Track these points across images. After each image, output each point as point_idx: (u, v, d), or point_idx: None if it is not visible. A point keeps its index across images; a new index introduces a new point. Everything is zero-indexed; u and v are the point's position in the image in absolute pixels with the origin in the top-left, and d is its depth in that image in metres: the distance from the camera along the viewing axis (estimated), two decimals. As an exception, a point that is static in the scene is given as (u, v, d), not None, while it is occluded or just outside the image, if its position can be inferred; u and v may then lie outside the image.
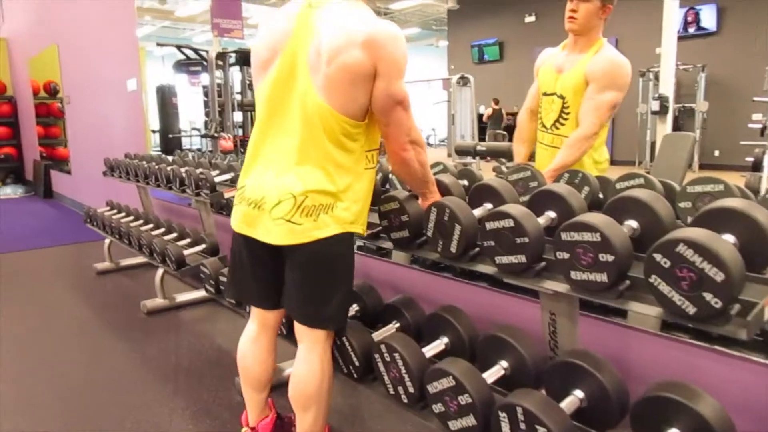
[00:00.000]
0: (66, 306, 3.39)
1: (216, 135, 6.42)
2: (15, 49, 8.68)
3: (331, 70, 1.31)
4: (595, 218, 1.12)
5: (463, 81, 8.27)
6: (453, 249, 1.40)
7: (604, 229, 1.08)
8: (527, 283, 1.27)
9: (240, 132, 6.92)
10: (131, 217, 3.75)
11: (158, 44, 7.36)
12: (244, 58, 6.81)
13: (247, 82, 7.22)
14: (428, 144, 12.64)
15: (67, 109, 6.79)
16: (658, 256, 0.99)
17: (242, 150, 6.89)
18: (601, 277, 1.09)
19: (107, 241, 3.94)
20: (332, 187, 1.37)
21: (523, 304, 1.76)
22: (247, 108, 7.04)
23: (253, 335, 1.63)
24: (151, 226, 3.46)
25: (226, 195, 2.78)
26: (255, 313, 1.64)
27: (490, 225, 1.29)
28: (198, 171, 2.92)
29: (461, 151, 5.17)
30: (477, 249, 1.40)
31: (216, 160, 3.38)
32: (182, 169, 3.10)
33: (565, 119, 2.08)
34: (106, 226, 3.78)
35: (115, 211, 4.03)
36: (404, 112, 1.38)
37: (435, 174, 1.66)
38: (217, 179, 2.80)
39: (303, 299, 1.47)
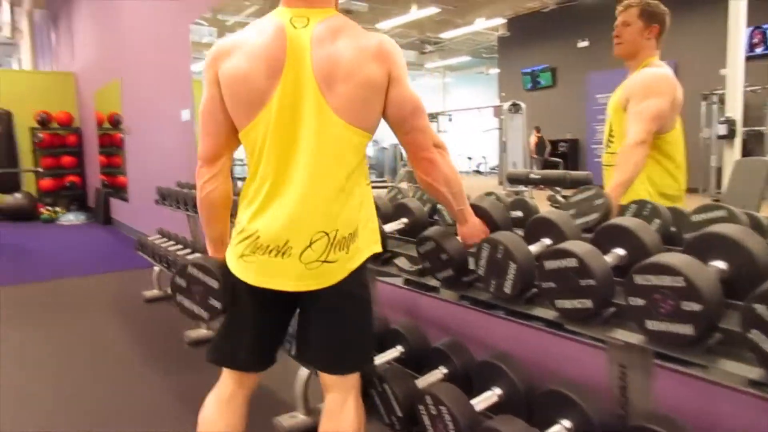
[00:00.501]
0: (110, 332, 3.39)
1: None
2: (82, 83, 9.13)
3: (350, 88, 1.22)
4: (677, 259, 0.96)
5: (515, 108, 8.11)
6: (507, 289, 1.26)
7: (688, 272, 0.92)
8: (594, 332, 1.11)
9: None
10: (179, 246, 3.76)
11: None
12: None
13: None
14: (478, 172, 12.45)
15: (126, 139, 7.03)
16: (760, 308, 0.82)
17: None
18: (685, 329, 0.93)
19: (156, 269, 3.96)
20: (355, 211, 1.29)
21: (586, 349, 1.58)
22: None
23: (225, 397, 1.40)
24: (197, 255, 3.44)
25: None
26: (232, 373, 1.42)
27: (549, 264, 1.14)
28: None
29: (513, 179, 5.00)
30: (534, 290, 1.25)
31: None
32: (228, 198, 3.08)
33: (612, 137, 2.02)
34: (155, 254, 3.80)
35: (164, 239, 4.06)
36: (424, 115, 1.32)
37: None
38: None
39: (339, 345, 1.33)
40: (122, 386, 2.62)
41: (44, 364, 2.91)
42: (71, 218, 8.58)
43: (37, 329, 3.51)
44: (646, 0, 1.90)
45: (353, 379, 1.36)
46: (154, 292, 4.03)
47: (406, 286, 2.18)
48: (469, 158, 12.55)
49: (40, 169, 8.96)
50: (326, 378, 1.36)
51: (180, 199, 3.66)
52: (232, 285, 1.34)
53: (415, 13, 9.30)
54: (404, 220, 1.85)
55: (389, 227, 1.83)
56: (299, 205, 1.23)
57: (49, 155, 9.09)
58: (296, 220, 1.23)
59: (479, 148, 13.17)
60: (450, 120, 10.46)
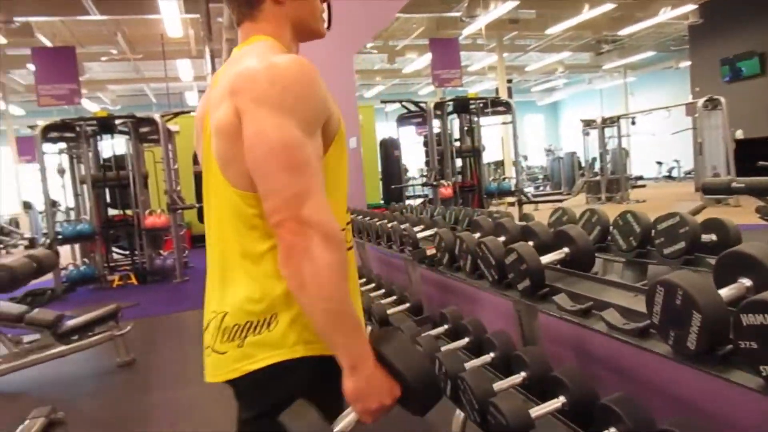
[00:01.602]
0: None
1: (435, 183, 6.50)
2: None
3: (215, 136, 0.97)
4: None
5: (712, 104, 7.11)
6: (690, 344, 1.00)
7: None
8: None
9: (459, 178, 6.92)
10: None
11: (382, 101, 7.82)
12: (461, 106, 6.87)
13: (465, 128, 7.27)
14: (670, 177, 11.14)
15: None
16: None
17: (461, 198, 6.90)
18: None
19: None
20: (257, 293, 0.96)
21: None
22: (466, 154, 7.04)
23: None
24: (363, 280, 3.50)
25: (428, 252, 2.65)
26: None
27: (749, 319, 0.88)
28: (402, 227, 2.85)
29: (711, 190, 4.31)
30: (730, 347, 0.98)
31: (423, 214, 3.32)
32: (389, 224, 3.09)
33: None
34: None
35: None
36: (281, 164, 0.88)
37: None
38: (419, 235, 2.70)
39: None
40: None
41: (176, 395, 3.11)
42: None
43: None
44: None
45: None
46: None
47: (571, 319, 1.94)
48: (659, 163, 11.35)
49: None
50: None
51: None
52: None
53: (588, 13, 8.70)
54: (565, 249, 1.64)
55: (547, 258, 1.63)
56: (209, 281, 1.06)
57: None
58: (206, 294, 1.07)
59: (670, 151, 11.81)
60: (633, 123, 9.54)
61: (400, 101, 6.95)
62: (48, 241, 6.08)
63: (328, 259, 0.87)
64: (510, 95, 8.57)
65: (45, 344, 3.31)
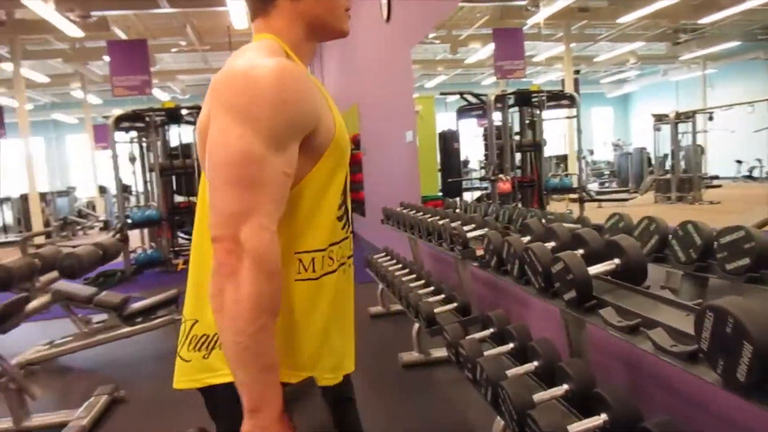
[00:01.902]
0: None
1: (493, 178, 6.38)
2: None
3: (198, 137, 0.95)
4: None
5: (803, 98, 6.60)
6: (740, 376, 0.93)
7: None
8: None
9: (519, 173, 6.76)
10: (399, 266, 3.87)
11: (441, 93, 7.74)
12: (523, 99, 6.68)
13: (526, 121, 7.08)
14: (750, 177, 10.51)
15: (363, 160, 7.62)
16: None
17: (520, 193, 6.75)
18: None
19: (380, 286, 4.14)
20: None
21: None
22: (526, 149, 6.86)
23: None
24: (413, 276, 3.50)
25: (478, 253, 2.61)
26: None
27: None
28: (453, 225, 2.82)
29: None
30: (785, 381, 0.91)
31: (477, 212, 3.27)
32: (440, 222, 3.06)
33: None
34: (378, 272, 3.98)
35: (388, 257, 4.23)
36: (231, 177, 0.83)
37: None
38: (470, 234, 2.65)
39: None
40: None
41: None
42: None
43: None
44: None
45: None
46: (378, 309, 4.23)
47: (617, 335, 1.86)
48: (739, 162, 10.70)
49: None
50: None
51: (401, 220, 3.77)
52: None
53: (666, 0, 8.24)
54: (616, 261, 1.57)
55: (596, 269, 1.57)
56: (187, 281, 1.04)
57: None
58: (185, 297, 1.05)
59: (751, 149, 11.09)
60: (711, 119, 9.02)
61: (460, 93, 6.84)
62: (119, 225, 6.40)
63: (252, 289, 0.80)
64: (577, 87, 8.26)
65: (111, 325, 3.50)
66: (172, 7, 9.99)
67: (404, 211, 3.91)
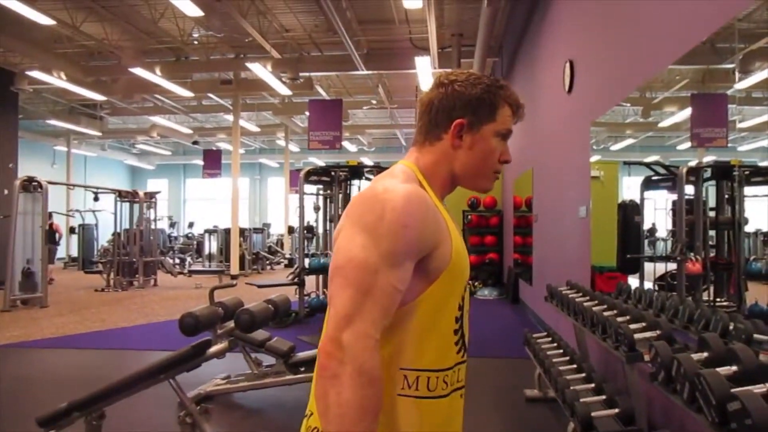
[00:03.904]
0: (483, 425, 3.50)
1: (680, 258, 5.77)
2: (507, 171, 10.18)
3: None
4: None
5: None
6: None
7: None
8: None
9: (713, 252, 6.02)
10: (560, 351, 3.65)
11: (625, 162, 7.28)
12: (722, 172, 6.00)
13: (725, 196, 6.32)
14: None
15: (534, 226, 7.41)
16: None
17: (712, 274, 5.96)
18: None
19: (538, 370, 3.93)
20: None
21: None
22: (722, 227, 6.11)
23: None
24: (573, 367, 3.27)
25: (645, 358, 2.37)
26: None
27: None
28: (619, 320, 2.61)
29: None
30: None
31: (654, 302, 2.99)
32: (606, 314, 2.85)
33: None
34: (537, 355, 3.79)
35: (549, 339, 4.02)
36: (348, 280, 0.90)
37: None
38: (637, 336, 2.42)
39: None
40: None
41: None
42: (486, 293, 9.48)
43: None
44: None
45: None
46: (535, 393, 4.01)
47: None
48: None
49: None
50: None
51: (565, 303, 3.58)
52: None
53: None
54: (767, 385, 1.34)
55: None
56: None
57: (475, 234, 10.37)
58: None
59: None
60: None
61: (647, 164, 6.37)
62: (298, 269, 6.99)
63: (354, 394, 0.85)
64: (794, 157, 7.21)
65: (278, 370, 3.79)
66: (368, 70, 10.92)
67: (569, 292, 3.71)
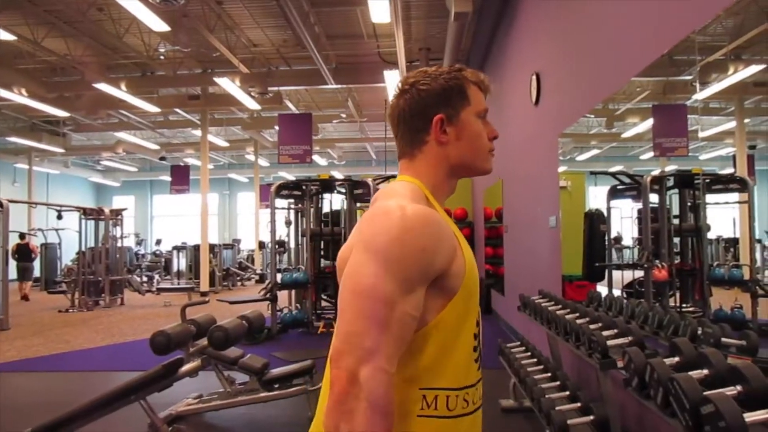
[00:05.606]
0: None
1: (647, 265, 5.90)
2: (476, 182, 10.29)
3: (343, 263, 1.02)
4: None
5: None
6: None
7: None
8: None
9: (678, 259, 6.17)
10: (534, 360, 3.68)
11: (592, 172, 7.45)
12: (684, 180, 6.18)
13: (688, 204, 6.50)
14: None
15: (505, 237, 7.49)
16: None
17: (678, 281, 6.11)
18: None
19: (513, 380, 3.95)
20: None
21: None
22: (686, 234, 6.27)
23: None
24: (547, 375, 3.30)
25: (619, 365, 2.40)
26: None
27: None
28: (591, 327, 2.64)
29: None
30: None
31: (624, 309, 3.05)
32: (579, 321, 2.89)
33: None
34: (511, 365, 3.82)
35: (522, 348, 4.05)
36: (364, 312, 0.87)
37: None
38: (610, 342, 2.46)
39: None
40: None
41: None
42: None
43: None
44: None
45: None
46: (510, 403, 4.02)
47: None
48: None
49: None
50: None
51: (538, 312, 3.62)
52: None
53: None
54: (738, 387, 1.38)
55: (756, 416, 1.37)
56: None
57: (447, 245, 10.42)
58: None
59: None
60: None
61: (613, 174, 6.53)
62: (270, 285, 6.91)
63: (368, 430, 0.83)
64: (751, 165, 7.48)
65: (252, 388, 3.72)
66: (337, 84, 10.94)
67: (542, 301, 3.75)
